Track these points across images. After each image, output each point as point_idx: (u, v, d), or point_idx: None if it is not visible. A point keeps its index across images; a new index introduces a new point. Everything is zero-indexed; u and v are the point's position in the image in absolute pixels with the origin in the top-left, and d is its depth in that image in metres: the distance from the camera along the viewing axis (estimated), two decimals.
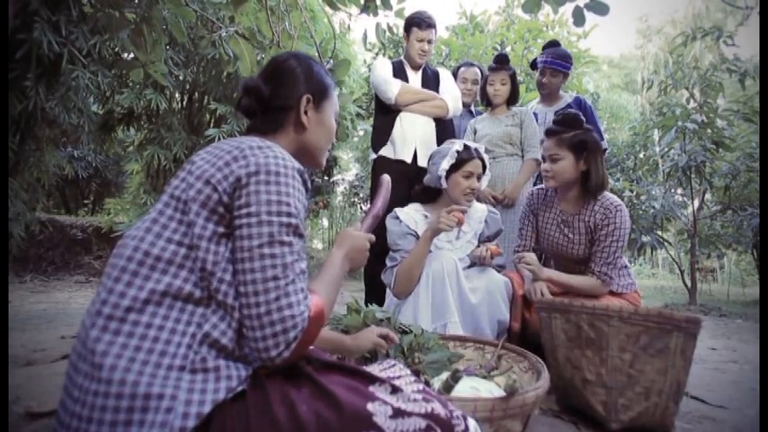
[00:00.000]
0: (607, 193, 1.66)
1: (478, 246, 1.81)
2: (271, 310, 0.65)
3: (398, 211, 1.82)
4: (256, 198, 0.68)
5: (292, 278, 0.67)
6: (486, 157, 1.80)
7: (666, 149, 5.87)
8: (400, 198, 2.19)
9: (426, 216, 1.81)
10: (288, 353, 0.65)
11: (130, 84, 4.00)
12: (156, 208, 0.72)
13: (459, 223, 1.61)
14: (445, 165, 1.74)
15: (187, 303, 0.66)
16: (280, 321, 0.65)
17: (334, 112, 0.93)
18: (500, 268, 1.79)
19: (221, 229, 0.68)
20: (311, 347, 0.88)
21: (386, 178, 1.10)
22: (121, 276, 0.66)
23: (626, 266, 1.72)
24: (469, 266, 1.78)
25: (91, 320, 0.64)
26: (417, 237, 1.74)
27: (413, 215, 1.81)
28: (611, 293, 1.67)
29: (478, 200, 2.16)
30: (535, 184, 2.48)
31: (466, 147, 1.77)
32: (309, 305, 0.69)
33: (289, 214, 0.69)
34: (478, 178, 1.77)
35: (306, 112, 0.86)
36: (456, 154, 1.74)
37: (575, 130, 1.64)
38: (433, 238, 1.65)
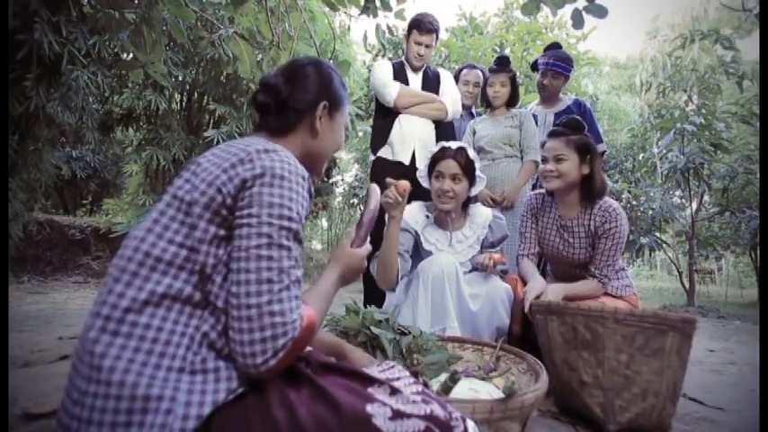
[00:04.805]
0: (606, 198, 1.66)
1: (481, 251, 1.77)
2: (262, 314, 0.63)
3: None
4: (259, 200, 0.67)
5: (287, 284, 0.66)
6: (476, 158, 1.74)
7: (665, 151, 5.89)
8: None
9: (428, 216, 1.81)
10: (274, 361, 0.63)
11: (130, 84, 4.00)
12: (158, 208, 0.71)
13: (401, 191, 1.49)
14: (422, 166, 1.83)
15: (186, 305, 0.66)
16: (270, 327, 0.63)
17: (345, 125, 0.95)
18: (502, 273, 1.76)
19: (222, 232, 0.68)
20: (309, 349, 0.88)
21: (375, 188, 1.02)
22: (121, 277, 0.65)
23: (623, 269, 1.72)
24: (471, 271, 1.76)
25: (90, 321, 0.64)
26: (416, 235, 1.76)
27: (414, 213, 1.80)
28: (610, 296, 1.67)
29: (479, 201, 2.16)
30: (534, 187, 2.48)
31: (442, 148, 1.74)
32: (302, 314, 0.67)
33: (290, 219, 0.68)
34: (455, 179, 1.69)
35: (320, 119, 0.87)
36: (430, 154, 1.78)
37: (577, 133, 1.66)
38: (392, 217, 1.56)
